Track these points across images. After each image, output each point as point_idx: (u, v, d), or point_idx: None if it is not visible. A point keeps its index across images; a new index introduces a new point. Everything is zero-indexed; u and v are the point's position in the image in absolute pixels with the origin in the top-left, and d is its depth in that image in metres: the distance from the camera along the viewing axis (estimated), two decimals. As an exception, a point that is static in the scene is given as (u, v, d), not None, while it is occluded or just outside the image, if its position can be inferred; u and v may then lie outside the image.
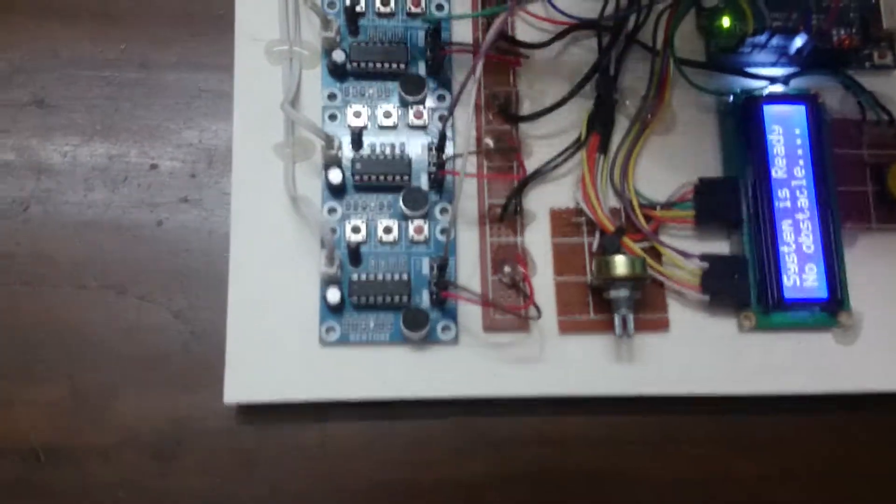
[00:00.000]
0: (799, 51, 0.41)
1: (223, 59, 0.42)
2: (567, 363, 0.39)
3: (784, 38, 0.40)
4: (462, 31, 0.42)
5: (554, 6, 0.41)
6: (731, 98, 0.41)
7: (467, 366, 0.38)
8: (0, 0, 0.42)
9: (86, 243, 0.39)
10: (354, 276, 0.38)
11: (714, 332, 0.39)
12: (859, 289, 0.40)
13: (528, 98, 0.42)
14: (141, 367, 0.38)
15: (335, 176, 0.39)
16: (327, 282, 0.38)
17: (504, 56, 0.41)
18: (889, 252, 0.41)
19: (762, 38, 0.40)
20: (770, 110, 0.40)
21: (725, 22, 0.42)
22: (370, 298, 0.38)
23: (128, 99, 0.41)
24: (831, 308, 0.39)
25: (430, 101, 0.41)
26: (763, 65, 0.42)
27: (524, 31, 0.43)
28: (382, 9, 0.41)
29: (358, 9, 0.41)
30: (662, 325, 0.39)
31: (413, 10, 0.42)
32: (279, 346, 0.38)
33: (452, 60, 0.41)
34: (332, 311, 0.38)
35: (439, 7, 0.42)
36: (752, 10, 0.38)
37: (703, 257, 0.39)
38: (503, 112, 0.41)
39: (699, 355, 0.39)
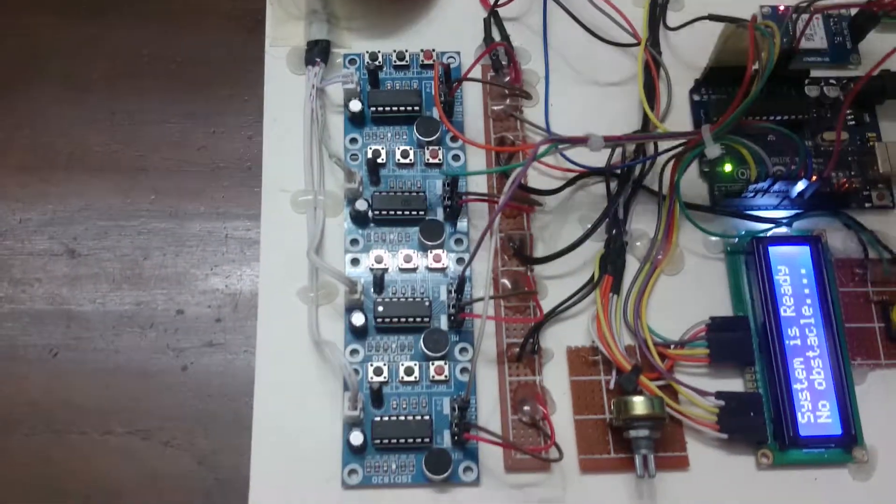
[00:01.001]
0: (800, 194, 0.42)
1: (251, 208, 0.43)
2: (590, 503, 0.38)
3: (786, 184, 0.41)
4: (478, 178, 0.43)
5: (564, 156, 0.43)
6: (737, 240, 0.42)
7: (490, 507, 0.38)
8: (39, 156, 0.43)
9: (113, 389, 0.40)
10: (377, 418, 0.38)
11: (733, 470, 0.39)
12: (872, 425, 0.40)
13: (541, 241, 0.43)
14: (165, 517, 0.38)
15: (358, 319, 0.39)
16: (350, 424, 0.38)
17: (519, 205, 0.42)
18: (899, 388, 0.40)
19: (765, 184, 0.41)
20: (776, 251, 0.41)
21: (727, 167, 0.43)
22: (392, 440, 0.37)
23: (157, 248, 0.42)
24: (846, 444, 0.38)
25: (449, 246, 0.42)
26: (766, 207, 0.43)
27: (536, 178, 0.44)
28: (402, 160, 0.43)
29: (379, 160, 0.42)
30: (682, 464, 0.39)
31: (431, 161, 0.43)
32: (302, 491, 0.37)
33: (469, 207, 0.42)
34: (355, 453, 0.38)
35: (455, 157, 0.43)
36: (753, 159, 0.39)
37: (719, 395, 0.39)
38: (518, 255, 0.42)
39: (720, 494, 0.38)
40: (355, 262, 0.41)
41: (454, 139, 0.44)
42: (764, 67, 0.38)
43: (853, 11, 0.47)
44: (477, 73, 0.45)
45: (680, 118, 0.46)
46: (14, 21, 0.46)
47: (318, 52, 0.44)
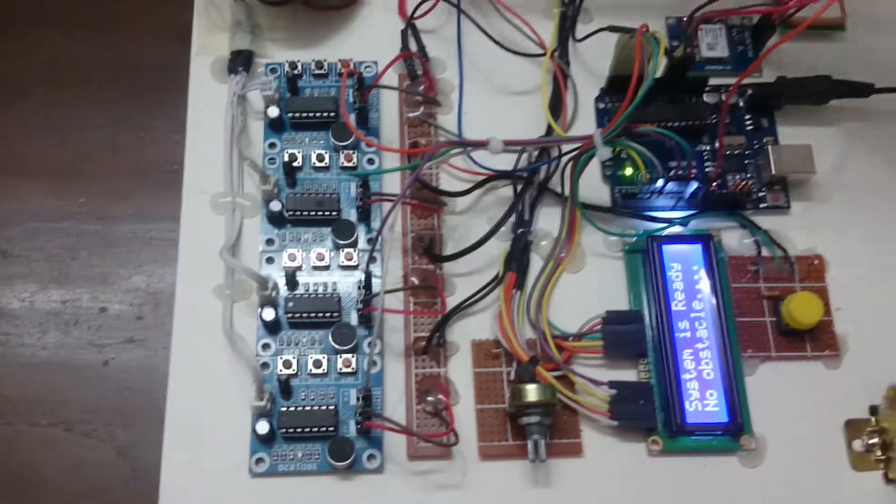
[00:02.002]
0: (693, 195, 0.43)
1: (175, 210, 0.43)
2: (487, 489, 0.39)
3: (678, 186, 0.42)
4: (392, 180, 0.44)
5: (473, 160, 0.43)
6: (635, 239, 0.43)
7: (393, 493, 0.38)
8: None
9: (38, 383, 0.40)
10: (284, 408, 0.38)
11: (625, 457, 0.39)
12: (762, 414, 0.40)
13: (451, 240, 0.43)
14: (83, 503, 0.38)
15: (268, 314, 0.40)
16: (258, 414, 0.38)
17: (423, 204, 0.43)
18: (788, 378, 0.41)
19: (657, 186, 0.42)
20: (669, 249, 0.42)
21: (627, 171, 0.44)
22: (298, 429, 0.38)
23: (84, 248, 0.43)
24: (733, 432, 0.39)
25: (361, 245, 0.42)
26: (665, 209, 0.44)
27: (447, 181, 0.44)
28: (318, 164, 0.43)
29: (295, 164, 0.43)
30: (576, 451, 0.39)
31: (346, 164, 0.44)
32: (212, 479, 0.38)
33: (382, 209, 0.43)
34: (262, 442, 0.38)
35: (370, 161, 0.44)
36: (644, 161, 0.40)
37: (612, 384, 0.39)
38: (428, 252, 0.42)
39: (612, 479, 0.39)
40: (270, 260, 0.42)
41: (368, 144, 0.44)
42: (649, 74, 0.38)
43: (755, 19, 0.48)
44: (394, 81, 0.46)
45: (586, 125, 0.46)
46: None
47: (240, 62, 0.45)
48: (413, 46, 0.47)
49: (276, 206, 0.42)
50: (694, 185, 0.42)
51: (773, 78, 0.46)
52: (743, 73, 0.46)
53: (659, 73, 0.42)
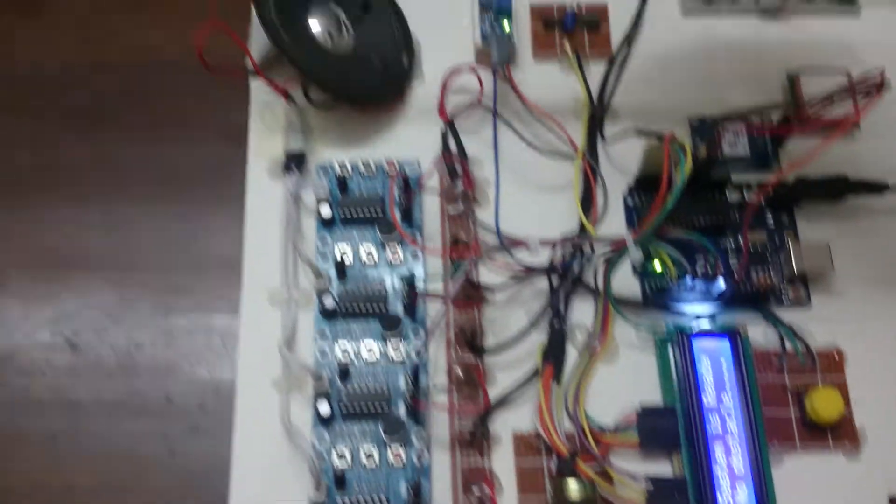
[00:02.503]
0: (720, 292, 0.45)
1: (233, 303, 0.45)
2: (531, 576, 0.40)
3: (706, 283, 0.44)
4: (435, 274, 0.46)
5: (511, 255, 0.45)
6: (665, 332, 0.45)
7: (441, 580, 0.40)
8: (43, 258, 0.46)
9: (105, 472, 0.42)
10: (339, 500, 0.40)
11: (660, 547, 0.41)
12: (788, 504, 0.42)
13: (491, 333, 0.45)
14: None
15: (324, 409, 0.42)
16: (315, 506, 0.40)
17: (468, 301, 0.45)
18: (813, 470, 0.43)
19: (687, 282, 0.44)
20: (698, 344, 0.44)
21: (657, 266, 0.46)
22: (353, 520, 0.40)
23: (148, 340, 0.45)
24: (763, 524, 0.41)
25: (407, 337, 0.44)
26: (694, 302, 0.46)
27: (486, 275, 0.46)
28: (367, 261, 0.46)
29: (346, 261, 0.45)
30: (614, 541, 0.41)
31: (392, 260, 0.46)
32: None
33: (426, 301, 0.45)
34: (319, 532, 0.40)
35: (414, 255, 0.46)
36: (672, 260, 0.42)
37: (649, 479, 0.41)
38: (470, 345, 0.44)
39: (648, 568, 0.40)
40: (323, 352, 0.44)
41: (413, 239, 0.47)
42: (677, 182, 0.41)
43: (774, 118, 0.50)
44: (436, 178, 0.48)
45: (615, 219, 0.48)
46: (28, 134, 0.49)
47: (294, 162, 0.47)
48: (452, 145, 0.49)
49: (329, 303, 0.44)
50: (721, 283, 0.44)
51: (791, 173, 0.48)
52: (763, 171, 0.48)
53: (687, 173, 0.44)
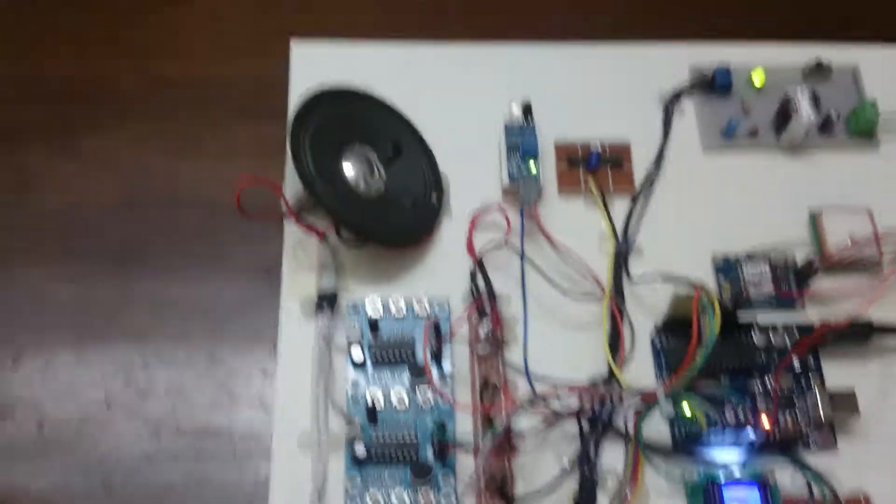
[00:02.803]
0: (750, 440, 0.45)
1: (264, 446, 0.46)
2: None
3: (736, 431, 0.44)
4: (465, 418, 0.46)
5: (543, 400, 0.46)
6: (695, 481, 0.44)
7: None
8: (76, 404, 0.47)
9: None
10: None
11: None
12: None
13: (521, 479, 0.45)
14: None
15: (355, 561, 0.42)
16: None
17: (500, 451, 0.45)
18: None
19: (716, 431, 0.44)
20: (728, 493, 0.44)
21: (687, 412, 0.46)
22: None
23: (180, 484, 0.45)
24: None
25: (437, 485, 0.44)
26: (723, 448, 0.46)
27: (518, 420, 0.47)
28: (398, 405, 0.46)
29: (377, 405, 0.46)
30: None
31: (423, 406, 0.46)
32: None
33: (457, 453, 0.45)
34: None
35: (446, 401, 0.47)
36: (701, 412, 0.42)
37: None
38: (500, 493, 0.44)
39: None
40: (353, 500, 0.44)
41: (443, 381, 0.47)
42: (706, 336, 0.41)
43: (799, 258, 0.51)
44: (464, 320, 0.49)
45: (643, 359, 0.49)
46: (66, 274, 0.50)
47: (326, 303, 0.48)
48: (481, 282, 0.50)
49: (361, 451, 0.44)
50: (750, 432, 0.44)
51: (815, 314, 0.49)
52: (786, 310, 0.49)
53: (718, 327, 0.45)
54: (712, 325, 0.42)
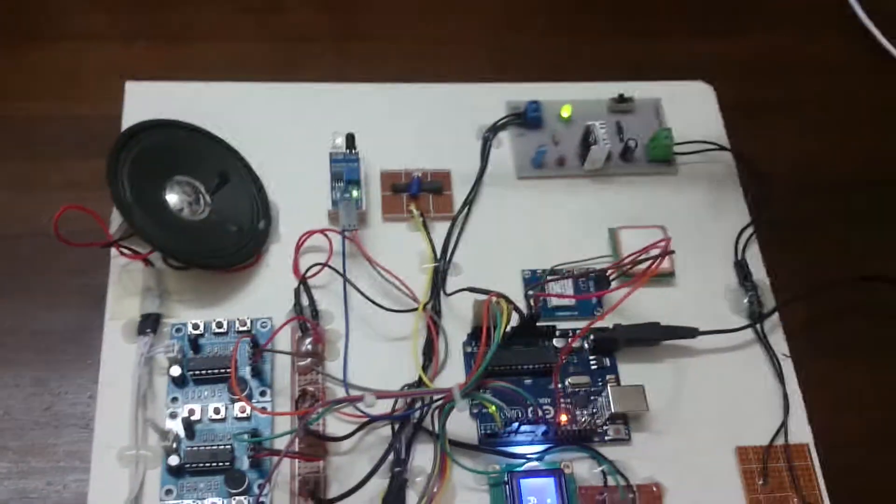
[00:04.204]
0: (545, 433, 0.48)
1: (86, 462, 0.47)
2: None
3: (532, 426, 0.47)
4: (283, 427, 0.48)
5: (357, 408, 0.48)
6: (496, 474, 0.47)
7: None
8: None
9: None
10: None
11: None
12: None
13: (336, 481, 0.47)
14: None
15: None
16: None
17: (307, 456, 0.47)
18: None
19: (514, 427, 0.47)
20: (526, 483, 0.46)
21: (492, 409, 0.49)
22: None
23: (4, 501, 0.46)
24: None
25: (252, 493, 0.46)
26: (525, 443, 0.49)
27: (333, 424, 0.49)
28: (215, 416, 0.48)
29: (194, 418, 0.47)
30: None
31: (240, 415, 0.48)
32: None
33: (271, 461, 0.47)
34: None
35: (264, 409, 0.48)
36: (497, 409, 0.45)
37: None
38: (312, 496, 0.46)
39: None
40: (169, 510, 0.45)
41: (262, 394, 0.49)
42: (494, 339, 0.44)
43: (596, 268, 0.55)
44: (286, 336, 0.51)
45: (457, 366, 0.52)
46: None
47: (149, 324, 0.50)
48: (305, 302, 0.53)
49: (174, 460, 0.45)
50: (542, 427, 0.47)
51: (612, 323, 0.53)
52: (587, 319, 0.53)
53: (509, 328, 0.48)
54: (500, 329, 0.45)
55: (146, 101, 0.58)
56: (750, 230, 0.58)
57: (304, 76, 0.62)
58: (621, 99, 0.62)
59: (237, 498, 0.46)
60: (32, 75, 0.61)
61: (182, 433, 0.47)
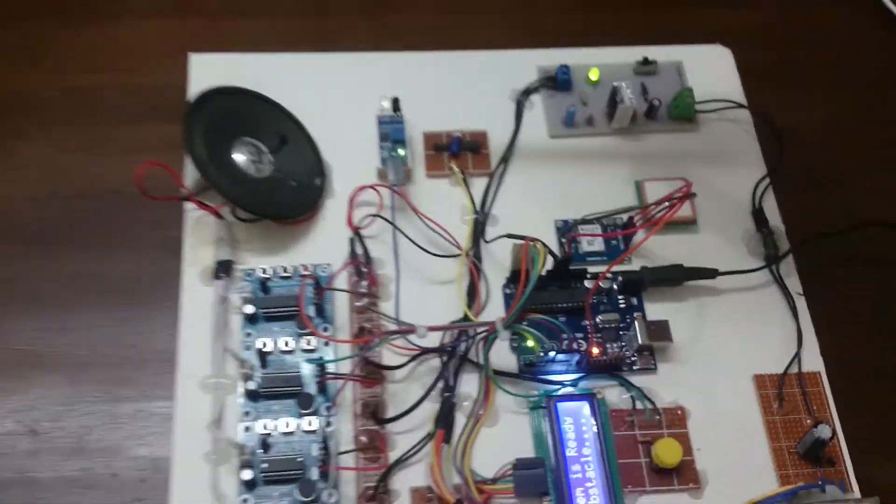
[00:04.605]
0: (579, 362, 0.53)
1: (170, 390, 0.53)
2: None
3: (567, 355, 0.53)
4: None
5: (408, 339, 0.53)
6: (536, 398, 0.53)
7: None
8: (8, 357, 0.53)
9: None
10: (260, 552, 0.47)
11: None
12: (642, 540, 0.49)
13: (392, 405, 0.53)
14: None
15: (246, 475, 0.49)
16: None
17: (372, 380, 0.53)
18: (661, 507, 0.51)
19: (551, 356, 0.53)
20: (562, 406, 0.52)
21: (529, 343, 0.54)
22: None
23: (97, 425, 0.52)
24: (618, 554, 0.48)
25: (320, 412, 0.52)
26: (560, 372, 0.54)
27: (389, 356, 0.54)
28: (284, 347, 0.53)
29: (266, 350, 0.53)
30: (495, 575, 0.48)
31: (307, 347, 0.54)
32: None
33: (335, 386, 0.53)
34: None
35: (326, 343, 0.54)
36: (535, 339, 0.51)
37: (521, 519, 0.48)
38: (373, 416, 0.52)
39: None
40: (248, 429, 0.51)
41: (325, 329, 0.55)
42: (532, 277, 0.50)
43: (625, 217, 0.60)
44: (345, 277, 0.57)
45: (497, 306, 0.57)
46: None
47: (223, 269, 0.56)
48: (359, 249, 0.58)
49: (251, 385, 0.51)
50: (577, 356, 0.53)
51: (639, 266, 0.58)
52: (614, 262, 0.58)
53: (545, 271, 0.53)
54: (536, 268, 0.51)
55: (208, 71, 0.63)
56: (766, 181, 0.63)
57: (342, 47, 0.67)
58: (645, 62, 0.67)
59: (308, 418, 0.51)
60: (96, 50, 0.66)
61: (257, 362, 0.53)
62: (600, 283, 0.56)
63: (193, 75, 0.63)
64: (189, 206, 0.58)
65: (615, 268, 0.57)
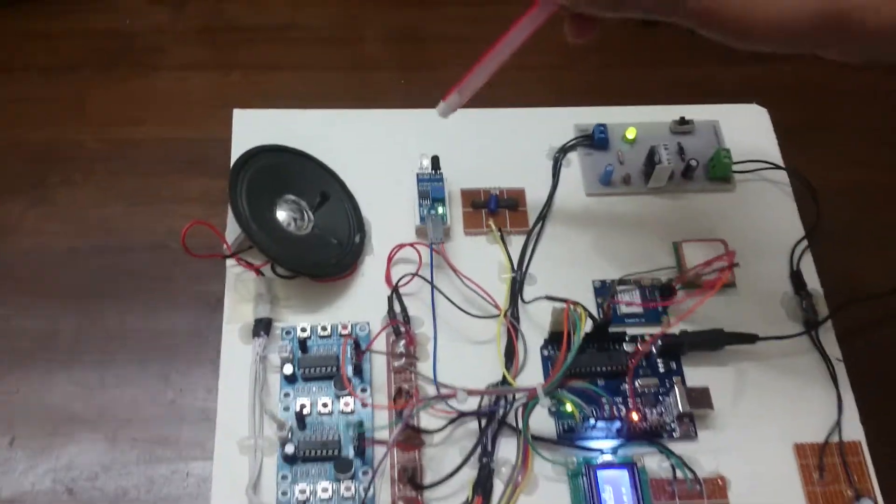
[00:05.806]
0: (619, 430, 0.52)
1: (207, 451, 0.52)
2: None
3: (607, 423, 0.51)
4: (381, 421, 0.53)
5: (447, 402, 0.52)
6: (575, 466, 0.51)
7: None
8: (45, 418, 0.52)
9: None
10: None
11: None
12: None
13: (430, 469, 0.52)
14: None
15: (284, 541, 0.47)
16: None
17: (410, 445, 0.51)
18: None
19: (591, 423, 0.51)
20: (602, 474, 0.50)
21: (568, 408, 0.53)
22: None
23: (134, 486, 0.51)
24: None
25: (357, 477, 0.50)
26: (599, 438, 0.53)
27: (427, 419, 0.53)
28: (322, 409, 0.52)
29: (305, 412, 0.52)
30: None
31: (345, 409, 0.53)
32: None
33: (374, 449, 0.52)
34: None
35: (364, 405, 0.53)
36: (576, 407, 0.49)
37: None
38: (411, 482, 0.51)
39: None
40: (284, 493, 0.50)
41: (363, 390, 0.54)
42: (574, 341, 0.49)
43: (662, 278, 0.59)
44: (382, 338, 0.56)
45: (534, 368, 0.56)
46: (32, 307, 0.56)
47: (262, 327, 0.55)
48: (397, 308, 0.57)
49: (290, 449, 0.50)
50: (617, 423, 0.51)
51: (678, 330, 0.56)
52: (654, 325, 0.56)
53: (584, 333, 0.52)
54: (579, 333, 0.50)
55: (251, 126, 0.63)
56: (804, 243, 0.61)
57: (376, 103, 0.66)
58: (682, 121, 0.66)
59: (345, 482, 0.50)
60: (139, 102, 0.67)
61: (295, 424, 0.52)
62: (641, 348, 0.55)
63: (236, 130, 0.63)
64: (230, 262, 0.57)
65: (651, 328, 0.56)
